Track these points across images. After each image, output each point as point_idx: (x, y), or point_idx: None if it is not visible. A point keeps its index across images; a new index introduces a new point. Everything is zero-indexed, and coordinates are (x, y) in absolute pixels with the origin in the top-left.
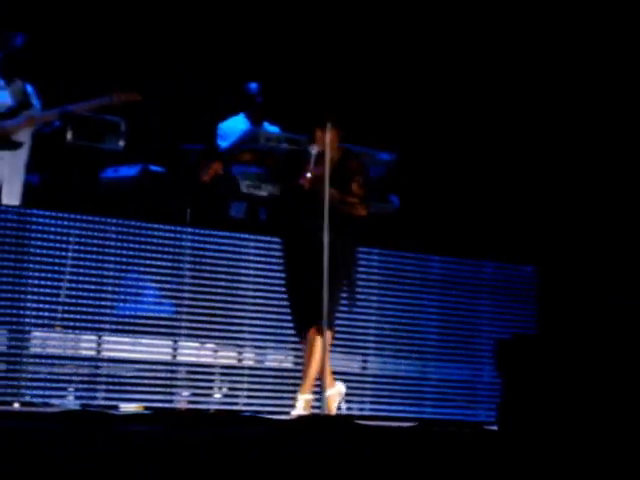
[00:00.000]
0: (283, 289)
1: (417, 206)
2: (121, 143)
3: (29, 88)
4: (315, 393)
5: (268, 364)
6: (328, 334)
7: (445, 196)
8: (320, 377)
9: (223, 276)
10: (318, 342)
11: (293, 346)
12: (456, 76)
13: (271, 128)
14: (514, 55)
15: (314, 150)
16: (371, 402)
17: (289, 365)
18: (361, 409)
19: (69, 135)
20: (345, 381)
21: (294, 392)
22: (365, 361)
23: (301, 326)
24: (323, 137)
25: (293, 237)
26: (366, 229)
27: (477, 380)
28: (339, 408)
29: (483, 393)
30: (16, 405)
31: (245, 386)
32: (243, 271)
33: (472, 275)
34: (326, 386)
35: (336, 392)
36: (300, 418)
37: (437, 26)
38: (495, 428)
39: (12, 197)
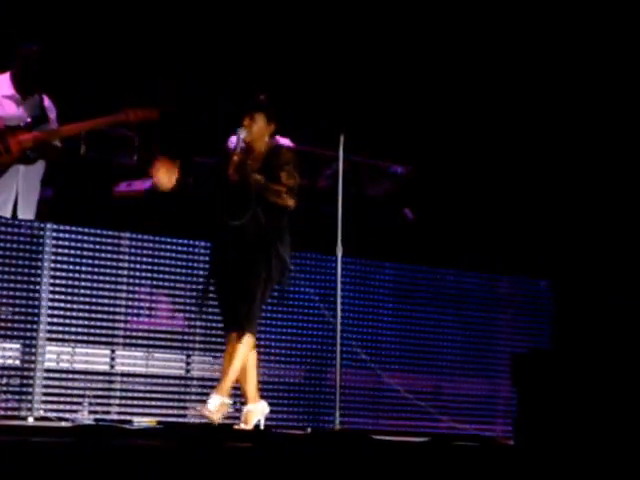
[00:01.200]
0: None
1: (431, 220)
2: (134, 157)
3: (46, 102)
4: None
5: (282, 379)
6: (249, 339)
7: (460, 210)
8: (242, 388)
9: None
10: (240, 348)
11: (308, 360)
12: (476, 89)
13: (281, 141)
14: (534, 70)
15: (242, 134)
16: (386, 417)
17: (303, 380)
18: (375, 424)
19: (82, 149)
20: (360, 395)
21: (309, 406)
22: (379, 375)
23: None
24: (251, 125)
25: (219, 233)
26: (378, 242)
27: (493, 395)
28: (257, 425)
29: (499, 408)
30: (30, 420)
31: None
32: None
33: (487, 289)
34: (248, 400)
35: (259, 409)
36: (314, 432)
37: (456, 42)
38: (511, 443)
39: (27, 211)
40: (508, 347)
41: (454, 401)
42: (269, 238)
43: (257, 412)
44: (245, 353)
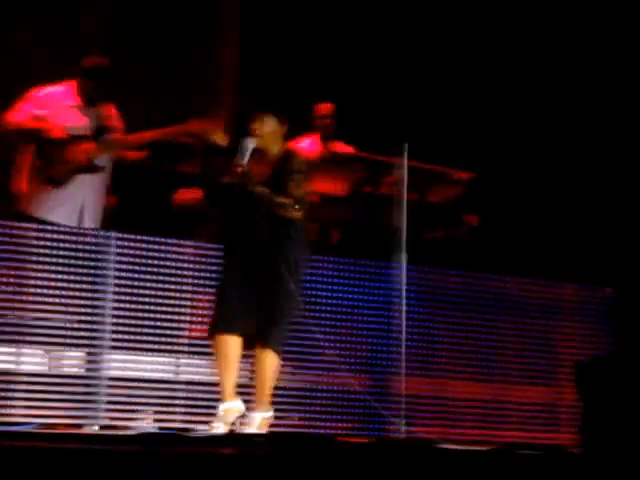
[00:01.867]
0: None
1: (495, 226)
2: (197, 165)
3: (112, 111)
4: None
5: (347, 387)
6: (270, 354)
7: (523, 216)
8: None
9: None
10: (264, 358)
11: (372, 369)
12: (540, 94)
13: (341, 149)
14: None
15: (251, 144)
16: (450, 426)
17: (368, 389)
18: (440, 432)
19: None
20: (424, 404)
21: (374, 415)
22: (443, 384)
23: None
24: (261, 130)
25: (228, 242)
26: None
27: (557, 402)
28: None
29: (564, 416)
30: (95, 428)
31: (319, 409)
32: (317, 292)
33: (551, 296)
34: (230, 397)
35: (236, 407)
36: (379, 441)
37: (519, 49)
38: (576, 451)
39: (92, 220)
40: (572, 354)
41: (518, 409)
42: (277, 250)
43: (235, 410)
44: (274, 371)
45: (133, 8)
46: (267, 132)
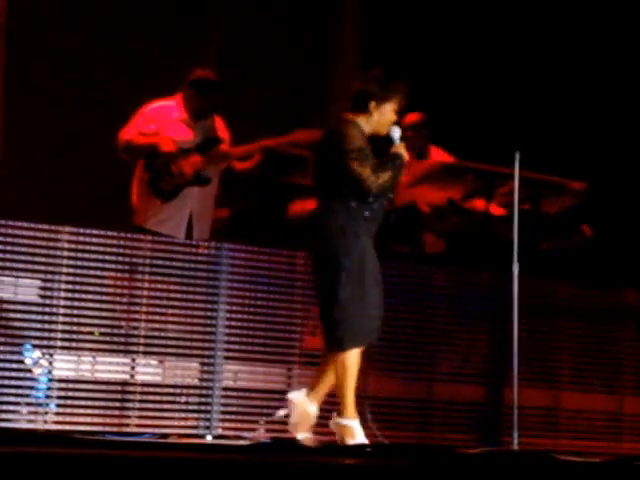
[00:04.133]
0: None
1: (610, 237)
2: (308, 176)
3: (219, 123)
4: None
5: (458, 399)
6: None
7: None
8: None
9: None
10: (334, 361)
11: (483, 379)
12: None
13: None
14: None
15: (397, 133)
16: (564, 437)
17: (480, 399)
18: (553, 444)
19: (257, 169)
20: (536, 415)
21: (486, 426)
22: (557, 395)
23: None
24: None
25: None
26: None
27: (618, 411)
28: None
29: (625, 424)
30: (209, 438)
31: (435, 420)
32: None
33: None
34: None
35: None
36: (493, 452)
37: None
38: None
39: (202, 232)
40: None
41: (633, 420)
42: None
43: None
44: (342, 376)
45: (246, 24)
46: None
